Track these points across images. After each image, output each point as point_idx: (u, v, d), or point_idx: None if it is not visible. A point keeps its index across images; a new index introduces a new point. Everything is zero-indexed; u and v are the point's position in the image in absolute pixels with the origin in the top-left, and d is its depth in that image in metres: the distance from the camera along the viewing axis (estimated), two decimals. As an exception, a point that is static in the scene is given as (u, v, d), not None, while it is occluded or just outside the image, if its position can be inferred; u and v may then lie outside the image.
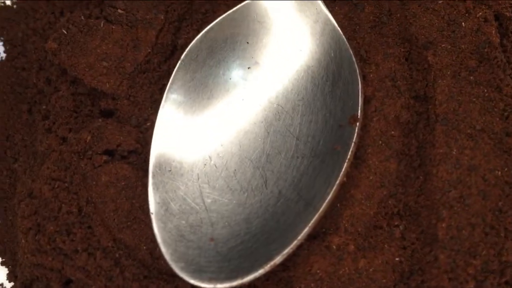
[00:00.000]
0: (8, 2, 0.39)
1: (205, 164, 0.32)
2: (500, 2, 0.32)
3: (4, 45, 0.39)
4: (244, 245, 0.30)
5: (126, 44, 0.34)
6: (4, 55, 0.39)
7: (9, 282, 0.36)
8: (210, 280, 0.29)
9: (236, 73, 0.34)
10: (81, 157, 0.33)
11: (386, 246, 0.31)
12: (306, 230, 0.29)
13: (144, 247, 0.33)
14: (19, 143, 0.37)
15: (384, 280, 0.31)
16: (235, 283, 0.29)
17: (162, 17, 0.34)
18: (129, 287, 0.31)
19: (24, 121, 0.38)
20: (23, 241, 0.33)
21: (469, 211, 0.29)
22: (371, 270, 0.31)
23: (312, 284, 0.31)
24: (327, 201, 0.30)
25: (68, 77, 0.35)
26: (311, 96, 0.33)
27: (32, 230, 0.32)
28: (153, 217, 0.31)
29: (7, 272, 0.37)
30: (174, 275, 0.32)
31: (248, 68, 0.34)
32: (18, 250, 0.35)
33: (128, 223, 0.33)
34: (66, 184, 0.32)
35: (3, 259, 0.37)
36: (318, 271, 0.31)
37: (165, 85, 0.35)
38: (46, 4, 0.38)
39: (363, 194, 0.32)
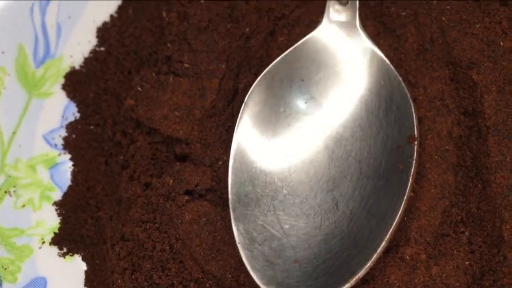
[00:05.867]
0: (77, 67, 0.44)
1: (278, 194, 0.35)
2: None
3: (77, 105, 0.43)
4: (327, 263, 0.33)
5: (194, 94, 0.38)
6: (78, 114, 0.43)
7: (103, 322, 0.39)
8: None
9: (294, 109, 0.37)
10: (166, 199, 0.36)
11: (455, 252, 0.34)
12: (383, 244, 0.32)
13: (230, 276, 0.36)
14: (100, 192, 0.41)
15: (457, 284, 0.33)
16: None
17: (224, 66, 0.38)
18: (222, 313, 0.34)
19: (103, 172, 0.41)
20: (119, 281, 0.36)
21: (530, 211, 0.32)
22: (444, 275, 0.33)
23: (392, 294, 0.33)
24: (398, 215, 0.33)
25: (144, 128, 0.39)
26: (367, 122, 0.36)
27: (128, 270, 0.36)
28: (239, 246, 0.34)
29: (99, 313, 0.40)
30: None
31: (305, 102, 0.37)
32: (111, 291, 0.38)
33: (213, 255, 0.36)
34: (157, 225, 0.36)
35: (94, 301, 0.40)
36: (395, 281, 0.34)
37: (230, 127, 0.39)
38: (114, 66, 0.42)
39: (427, 206, 0.35)
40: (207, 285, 0.35)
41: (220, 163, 0.38)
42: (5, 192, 0.41)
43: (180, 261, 0.35)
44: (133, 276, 0.35)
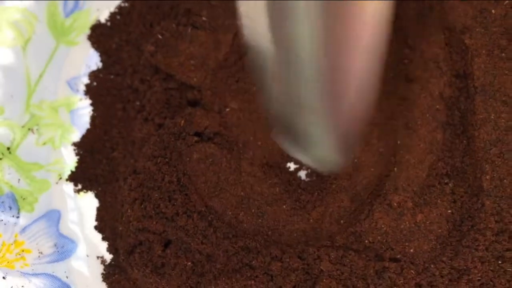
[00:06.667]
0: (102, 20, 0.47)
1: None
2: (523, -7, 0.38)
3: (100, 55, 0.46)
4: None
5: (209, 46, 0.41)
6: (100, 64, 0.46)
7: (109, 254, 0.42)
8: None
9: None
10: (177, 138, 0.39)
11: (439, 201, 0.36)
12: None
13: (230, 213, 0.39)
14: (116, 135, 0.44)
15: (439, 230, 0.36)
16: None
17: (238, 22, 0.41)
18: (221, 243, 0.37)
19: (120, 117, 0.44)
20: (129, 211, 0.39)
21: (508, 164, 0.35)
22: (428, 222, 0.36)
23: (379, 237, 0.36)
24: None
25: (160, 75, 0.42)
26: None
27: (138, 200, 0.38)
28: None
29: (107, 246, 0.43)
30: (256, 234, 0.38)
31: None
32: (119, 224, 0.41)
33: (216, 193, 0.39)
34: (167, 159, 0.39)
35: (104, 235, 0.43)
36: (383, 226, 0.36)
37: (240, 78, 0.41)
38: (137, 19, 0.45)
39: (416, 159, 0.37)
40: (209, 218, 0.38)
41: (227, 109, 0.41)
42: (29, 129, 0.45)
43: (185, 194, 0.38)
44: (142, 206, 0.38)
